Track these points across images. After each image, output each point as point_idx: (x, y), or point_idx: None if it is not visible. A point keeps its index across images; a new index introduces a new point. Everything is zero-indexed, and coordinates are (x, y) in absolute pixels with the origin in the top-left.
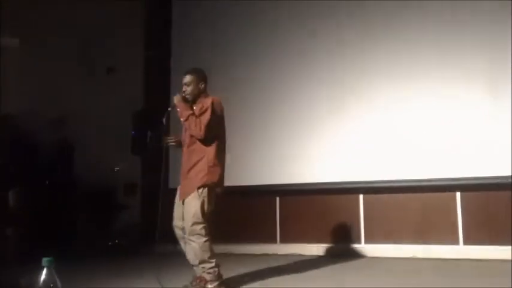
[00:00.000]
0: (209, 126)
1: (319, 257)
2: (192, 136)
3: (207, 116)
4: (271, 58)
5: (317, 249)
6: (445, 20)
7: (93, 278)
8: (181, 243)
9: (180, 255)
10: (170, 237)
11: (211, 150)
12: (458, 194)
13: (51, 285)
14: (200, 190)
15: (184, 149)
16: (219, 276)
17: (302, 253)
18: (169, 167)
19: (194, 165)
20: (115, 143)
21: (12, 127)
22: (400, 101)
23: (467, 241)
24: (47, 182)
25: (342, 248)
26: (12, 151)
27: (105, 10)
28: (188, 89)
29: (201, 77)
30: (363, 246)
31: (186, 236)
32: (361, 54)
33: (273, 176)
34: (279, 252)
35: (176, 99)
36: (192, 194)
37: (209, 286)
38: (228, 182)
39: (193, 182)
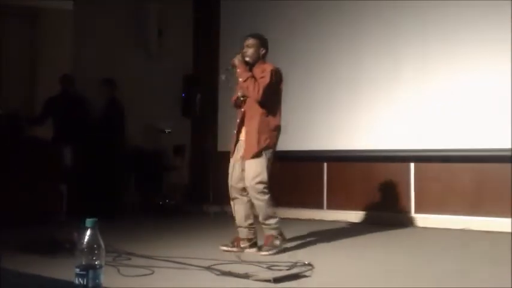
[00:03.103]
0: (266, 90)
1: (366, 224)
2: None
3: (266, 80)
4: (318, 23)
5: (364, 216)
6: None
7: (140, 238)
8: (232, 203)
9: (227, 216)
10: (217, 199)
11: (272, 115)
12: None
13: (95, 245)
14: (264, 151)
15: (244, 109)
16: (281, 232)
17: (349, 220)
18: (218, 130)
19: (256, 127)
20: (165, 105)
21: (70, 86)
22: (455, 67)
23: None
24: (99, 142)
25: (391, 217)
26: (67, 109)
27: None
28: (249, 52)
29: (263, 42)
30: (413, 216)
31: (247, 195)
32: (415, 22)
33: (321, 142)
34: (326, 218)
35: (237, 59)
36: (257, 154)
37: (277, 242)
38: (280, 146)
39: (258, 143)
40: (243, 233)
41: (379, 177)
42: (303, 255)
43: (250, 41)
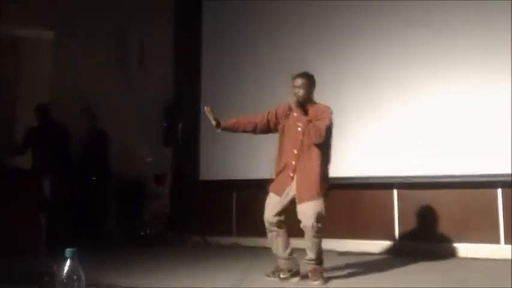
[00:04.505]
0: (326, 133)
1: (350, 253)
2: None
3: (326, 122)
4: (303, 49)
5: (349, 245)
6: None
7: (121, 269)
8: (270, 235)
9: (209, 246)
10: (199, 229)
11: (328, 157)
12: (499, 191)
13: (75, 277)
14: (323, 194)
15: (297, 151)
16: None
17: (333, 249)
18: (200, 159)
19: (316, 171)
20: (146, 134)
21: (47, 116)
22: (438, 95)
23: (509, 240)
24: (80, 171)
25: (375, 245)
26: (47, 139)
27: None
28: (301, 92)
29: (313, 81)
30: (397, 244)
31: (285, 227)
32: (398, 47)
33: None
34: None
35: (293, 103)
36: (318, 197)
37: (325, 276)
38: (263, 175)
39: (320, 187)
40: (284, 263)
41: (363, 204)
42: None
43: (300, 81)
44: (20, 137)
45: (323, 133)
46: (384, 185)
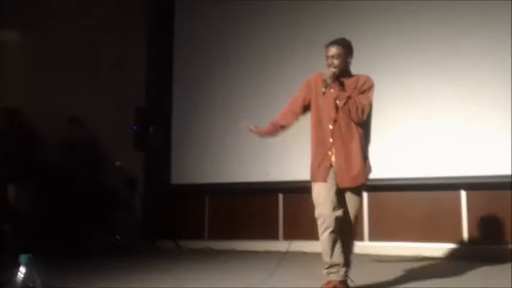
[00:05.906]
0: (369, 109)
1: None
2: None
3: (369, 97)
4: (268, 51)
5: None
6: None
7: (89, 277)
8: (330, 237)
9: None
10: (171, 233)
11: (368, 135)
12: (463, 193)
13: (30, 284)
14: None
15: (333, 127)
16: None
17: (306, 251)
18: (171, 162)
19: (359, 151)
20: (117, 138)
21: (12, 120)
22: (405, 99)
23: (472, 240)
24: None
25: None
26: (12, 144)
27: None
28: (336, 63)
29: (350, 50)
30: (366, 244)
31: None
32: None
33: (276, 173)
34: (282, 250)
35: (329, 77)
36: (364, 183)
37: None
38: (235, 179)
39: (363, 170)
40: (341, 273)
41: None
42: None
43: (336, 50)
44: None
45: (366, 109)
46: None
